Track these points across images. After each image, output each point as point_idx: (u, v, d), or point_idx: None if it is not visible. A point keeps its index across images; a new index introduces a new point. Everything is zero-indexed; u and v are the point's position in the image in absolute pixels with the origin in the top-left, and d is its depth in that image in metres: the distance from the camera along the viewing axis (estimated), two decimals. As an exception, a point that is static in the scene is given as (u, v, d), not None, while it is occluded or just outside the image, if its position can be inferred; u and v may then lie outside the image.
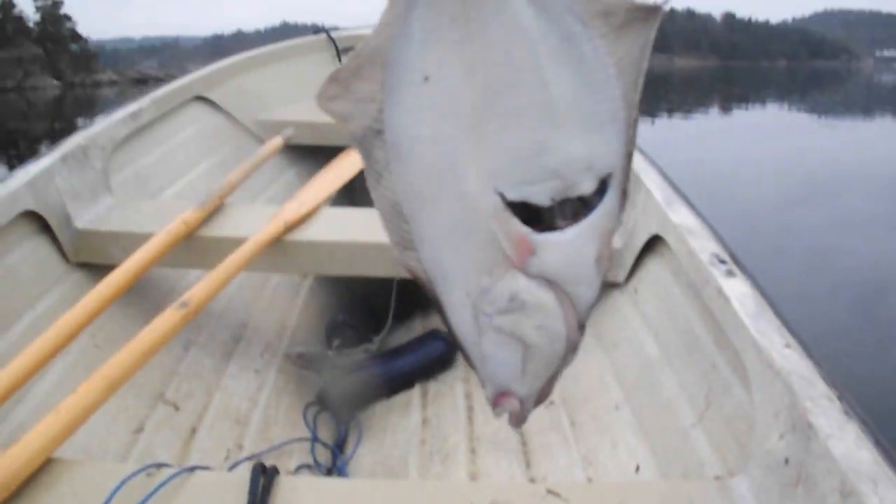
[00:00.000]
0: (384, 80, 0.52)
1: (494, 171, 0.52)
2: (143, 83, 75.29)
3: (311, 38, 3.75)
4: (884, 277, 5.16)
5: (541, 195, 0.52)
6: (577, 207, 0.53)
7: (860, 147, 13.17)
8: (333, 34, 3.76)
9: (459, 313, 0.56)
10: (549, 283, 0.54)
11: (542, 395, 0.59)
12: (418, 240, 0.55)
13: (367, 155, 0.54)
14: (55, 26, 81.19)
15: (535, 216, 0.52)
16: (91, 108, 31.47)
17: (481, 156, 0.52)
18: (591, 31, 0.52)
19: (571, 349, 0.57)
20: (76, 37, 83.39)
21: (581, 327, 0.57)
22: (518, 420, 0.59)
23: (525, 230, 0.52)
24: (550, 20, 0.51)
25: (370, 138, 0.53)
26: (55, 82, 70.84)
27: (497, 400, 0.58)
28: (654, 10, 0.53)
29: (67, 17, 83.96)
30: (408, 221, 0.54)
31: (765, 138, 14.34)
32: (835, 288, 4.85)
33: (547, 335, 0.55)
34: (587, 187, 0.53)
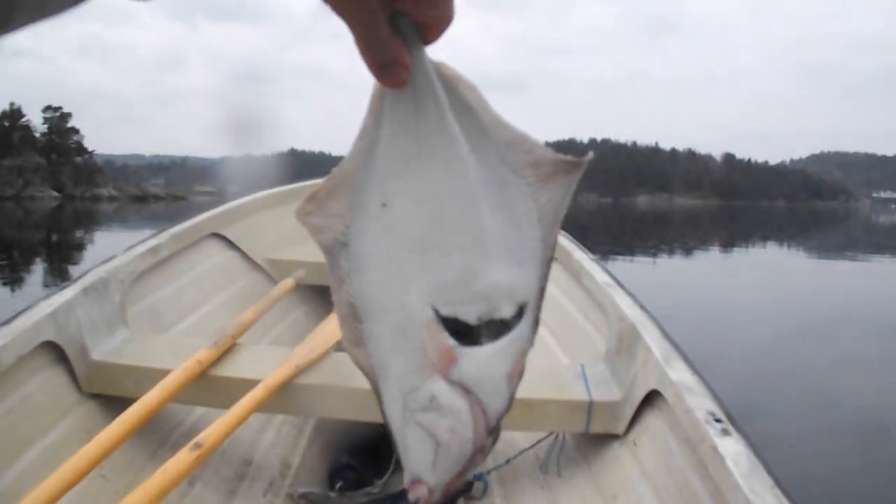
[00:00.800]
0: (352, 202, 0.61)
1: (432, 290, 0.60)
2: (143, 200, 74.35)
3: (322, 180, 3.90)
4: (882, 418, 5.14)
5: (469, 314, 0.60)
6: (499, 328, 0.61)
7: (859, 287, 13.27)
8: None
9: (392, 406, 0.63)
10: (466, 391, 0.61)
11: (449, 487, 0.65)
12: (367, 338, 0.63)
13: (333, 263, 0.61)
14: (62, 138, 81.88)
15: (463, 331, 0.60)
16: (90, 221, 31.53)
17: (423, 275, 0.60)
18: (520, 179, 0.60)
19: (479, 452, 0.64)
20: (82, 150, 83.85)
21: (490, 433, 0.64)
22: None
23: (451, 342, 0.60)
24: (488, 167, 0.59)
25: (337, 249, 0.61)
26: (55, 193, 70.81)
27: (411, 485, 0.64)
28: (578, 164, 0.60)
29: (75, 130, 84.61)
30: (361, 322, 0.62)
31: (765, 278, 14.46)
32: (832, 429, 4.82)
33: (457, 437, 0.62)
34: (507, 312, 0.61)
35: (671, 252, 20.09)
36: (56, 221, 31.43)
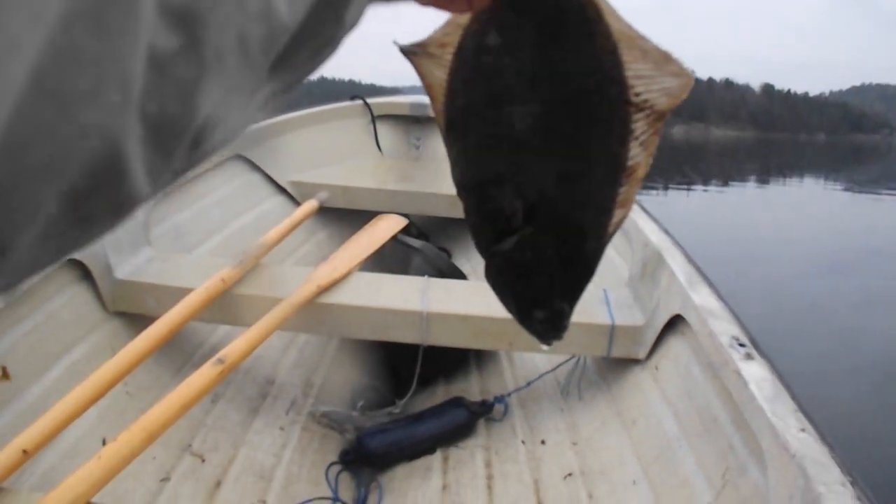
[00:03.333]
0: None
1: None
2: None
3: (348, 103, 3.86)
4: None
5: None
6: None
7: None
8: (369, 101, 3.88)
9: None
10: None
11: None
12: None
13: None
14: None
15: None
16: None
17: None
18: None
19: None
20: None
21: None
22: None
23: None
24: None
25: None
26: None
27: None
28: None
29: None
30: None
31: (798, 212, 14.26)
32: (854, 370, 4.78)
33: None
34: None
35: (706, 184, 19.81)
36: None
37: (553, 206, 0.60)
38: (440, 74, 0.61)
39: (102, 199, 0.27)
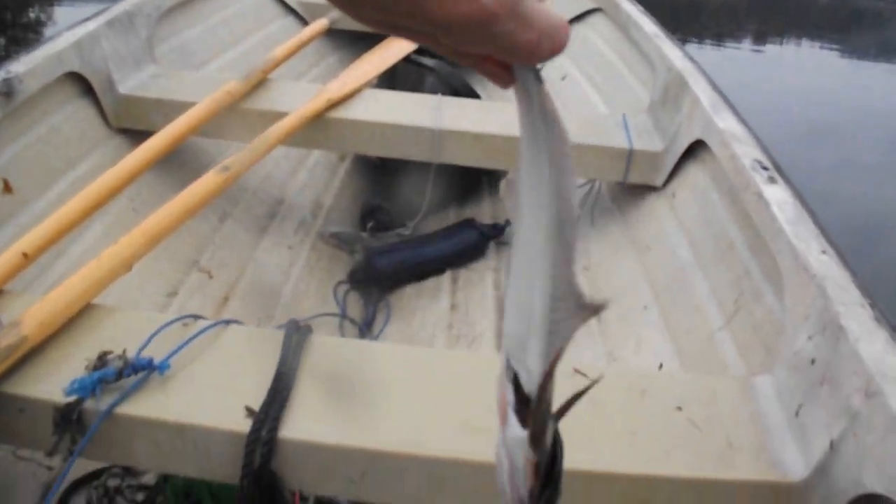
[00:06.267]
0: None
1: (505, 331, 0.50)
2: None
3: None
4: (881, 222, 5.20)
5: (523, 377, 0.47)
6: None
7: (889, 92, 12.90)
8: None
9: None
10: (508, 457, 0.49)
11: None
12: None
13: None
14: None
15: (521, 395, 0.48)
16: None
17: (507, 315, 0.50)
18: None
19: None
20: None
21: None
22: None
23: (509, 398, 0.47)
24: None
25: None
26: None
27: None
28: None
29: None
30: None
31: (794, 75, 14.02)
32: (833, 229, 4.89)
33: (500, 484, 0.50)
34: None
35: (701, 44, 19.35)
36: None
37: None
38: None
39: None
